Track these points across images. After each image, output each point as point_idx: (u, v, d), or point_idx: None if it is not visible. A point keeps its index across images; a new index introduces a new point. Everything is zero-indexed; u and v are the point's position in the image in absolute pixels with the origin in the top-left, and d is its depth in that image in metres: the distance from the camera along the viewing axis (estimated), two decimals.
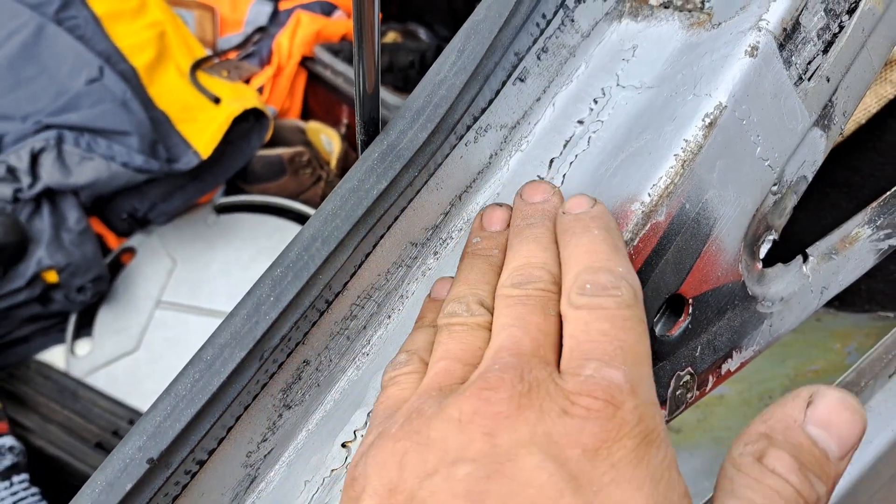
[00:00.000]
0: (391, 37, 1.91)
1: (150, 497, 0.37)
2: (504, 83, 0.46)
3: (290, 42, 1.66)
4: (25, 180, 1.33)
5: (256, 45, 1.71)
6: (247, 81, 1.62)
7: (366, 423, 0.42)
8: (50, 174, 1.33)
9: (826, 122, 0.50)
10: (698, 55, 0.47)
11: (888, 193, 0.56)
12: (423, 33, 2.00)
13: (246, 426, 0.40)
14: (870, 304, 0.94)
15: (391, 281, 0.44)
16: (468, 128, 0.45)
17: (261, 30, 1.75)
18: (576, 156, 0.47)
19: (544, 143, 0.48)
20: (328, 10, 1.78)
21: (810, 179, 0.50)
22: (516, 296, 0.35)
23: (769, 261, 0.51)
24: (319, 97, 1.69)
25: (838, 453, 0.32)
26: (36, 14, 1.45)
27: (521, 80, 0.48)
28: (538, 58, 0.48)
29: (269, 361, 0.39)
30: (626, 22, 0.51)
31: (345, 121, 1.64)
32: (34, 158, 1.34)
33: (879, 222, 0.55)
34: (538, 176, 0.47)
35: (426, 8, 1.95)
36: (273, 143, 1.56)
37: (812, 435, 0.32)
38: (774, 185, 0.47)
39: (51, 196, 1.36)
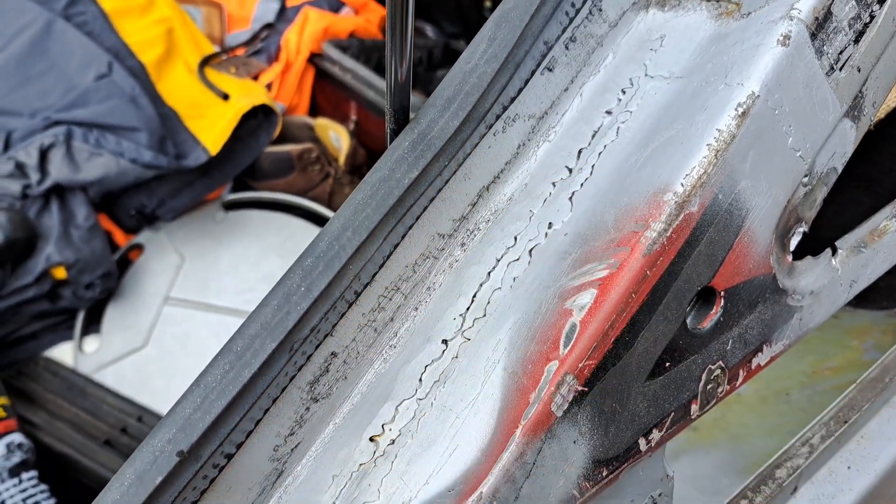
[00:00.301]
0: None
1: (178, 491, 0.36)
2: (533, 73, 0.46)
3: (299, 38, 1.65)
4: (34, 176, 1.33)
5: (264, 42, 1.71)
6: (255, 78, 1.61)
7: (394, 416, 0.41)
8: (59, 170, 1.32)
9: (856, 113, 0.49)
10: (728, 45, 0.46)
11: None
12: (430, 30, 2.00)
13: (274, 419, 0.39)
14: (888, 300, 0.94)
15: (418, 272, 0.44)
16: (497, 117, 0.45)
17: (268, 26, 1.74)
18: (604, 146, 0.47)
19: (572, 134, 0.48)
20: (336, 7, 1.78)
21: (840, 171, 0.50)
22: None
23: (807, 248, 0.51)
24: (328, 94, 1.69)
25: None
26: (44, 10, 1.44)
27: (550, 70, 0.47)
28: (566, 47, 0.47)
29: (298, 353, 0.38)
30: (653, 12, 0.50)
31: (353, 117, 1.64)
32: (43, 154, 1.33)
33: None
34: (566, 167, 0.47)
35: (434, 5, 1.95)
36: (281, 139, 1.55)
37: None
38: (805, 175, 0.47)
39: (59, 192, 1.35)
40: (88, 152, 1.34)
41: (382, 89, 1.53)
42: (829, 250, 0.51)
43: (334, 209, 1.54)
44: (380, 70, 1.70)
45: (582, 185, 0.46)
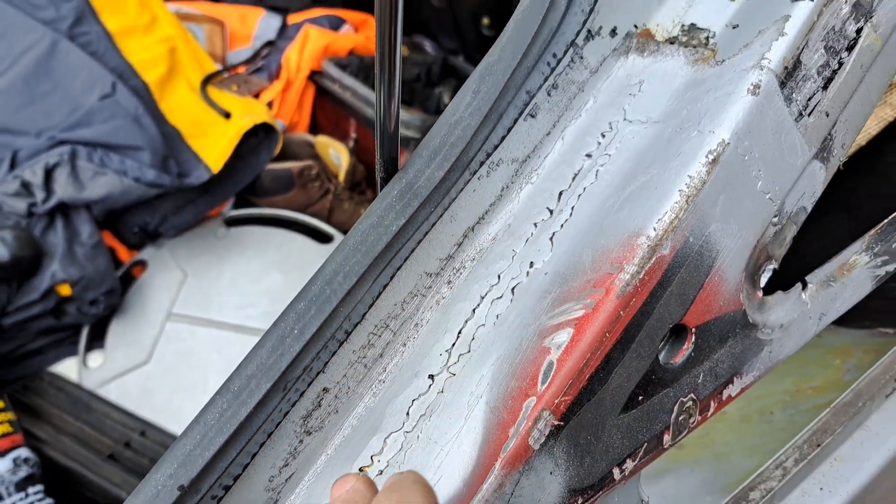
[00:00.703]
0: None
1: None
2: (516, 121, 0.48)
3: (299, 56, 1.68)
4: (40, 195, 1.35)
5: (265, 60, 1.74)
6: (256, 96, 1.64)
7: (382, 448, 0.43)
8: (64, 189, 1.35)
9: (825, 155, 0.51)
10: (703, 91, 0.49)
11: (886, 221, 0.58)
12: (428, 46, 2.03)
13: (269, 452, 0.41)
14: (869, 320, 0.96)
15: (407, 310, 0.46)
16: (481, 163, 0.47)
17: (269, 44, 1.77)
18: (584, 188, 0.49)
19: (554, 176, 0.50)
20: (336, 25, 1.81)
21: (809, 210, 0.52)
22: None
23: (779, 286, 0.53)
24: (328, 111, 1.71)
25: None
26: (50, 30, 1.47)
27: (532, 116, 0.50)
28: (548, 94, 0.50)
29: (291, 391, 0.41)
30: (633, 57, 0.53)
31: (353, 135, 1.67)
32: (48, 173, 1.36)
33: (877, 249, 0.57)
34: (548, 209, 0.49)
35: (432, 21, 1.97)
36: (282, 156, 1.58)
37: None
38: (775, 216, 0.49)
39: (64, 210, 1.38)
40: (93, 171, 1.36)
41: None
42: (799, 285, 0.54)
43: (334, 225, 1.57)
44: None
45: (562, 225, 0.48)
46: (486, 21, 1.81)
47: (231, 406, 0.38)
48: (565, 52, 0.49)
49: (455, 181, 0.45)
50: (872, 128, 0.82)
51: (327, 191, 1.59)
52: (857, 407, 0.64)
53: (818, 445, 0.61)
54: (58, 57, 1.46)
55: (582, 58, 0.51)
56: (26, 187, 1.36)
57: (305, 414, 0.43)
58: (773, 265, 0.51)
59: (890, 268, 0.58)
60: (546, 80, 0.49)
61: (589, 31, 0.51)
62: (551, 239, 0.48)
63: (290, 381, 0.40)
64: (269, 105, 1.64)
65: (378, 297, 0.44)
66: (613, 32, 0.52)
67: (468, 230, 0.48)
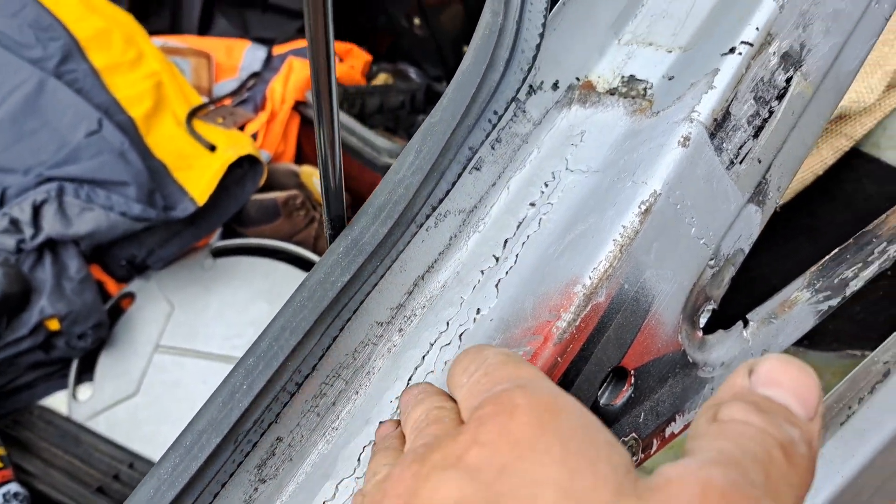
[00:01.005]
0: (382, 78, 1.97)
1: None
2: (460, 175, 0.50)
3: (284, 88, 1.71)
4: (28, 231, 1.38)
5: (251, 91, 1.77)
6: (241, 127, 1.67)
7: (334, 494, 0.45)
8: (51, 225, 1.38)
9: (760, 199, 0.54)
10: (639, 142, 0.51)
11: (827, 257, 0.60)
12: (413, 73, 2.06)
13: (223, 501, 0.43)
14: (837, 342, 0.98)
15: (358, 359, 0.48)
16: (427, 217, 0.49)
17: (255, 75, 1.80)
18: (528, 236, 0.52)
19: (500, 225, 0.53)
20: None
21: (748, 251, 0.54)
22: None
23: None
24: (312, 140, 1.74)
25: (802, 411, 0.30)
26: (37, 69, 1.50)
27: (477, 169, 0.52)
28: (492, 147, 0.52)
29: (243, 443, 0.43)
30: (575, 108, 0.55)
31: None
32: (36, 210, 1.39)
33: (818, 285, 0.59)
34: (494, 256, 0.51)
35: (416, 48, 2.01)
36: (267, 186, 1.61)
37: (764, 394, 0.30)
38: (711, 259, 0.51)
39: (52, 246, 1.40)
40: (80, 207, 1.39)
41: (364, 136, 1.59)
42: (740, 323, 0.56)
43: (319, 252, 1.59)
44: (361, 117, 1.76)
45: (507, 273, 0.51)
46: (466, 49, 1.84)
47: (183, 461, 0.40)
48: (506, 109, 0.51)
49: (401, 235, 0.47)
50: (829, 158, 0.85)
51: (312, 219, 1.61)
52: None
53: None
54: (45, 95, 1.48)
55: (525, 111, 0.53)
56: (15, 224, 1.38)
57: (260, 463, 0.45)
58: (713, 306, 0.53)
59: (833, 302, 0.60)
60: (488, 135, 0.51)
61: (531, 86, 0.53)
62: (497, 286, 0.50)
63: (241, 434, 0.42)
64: (255, 136, 1.66)
65: (328, 348, 0.46)
66: (555, 86, 0.54)
67: (418, 279, 0.51)
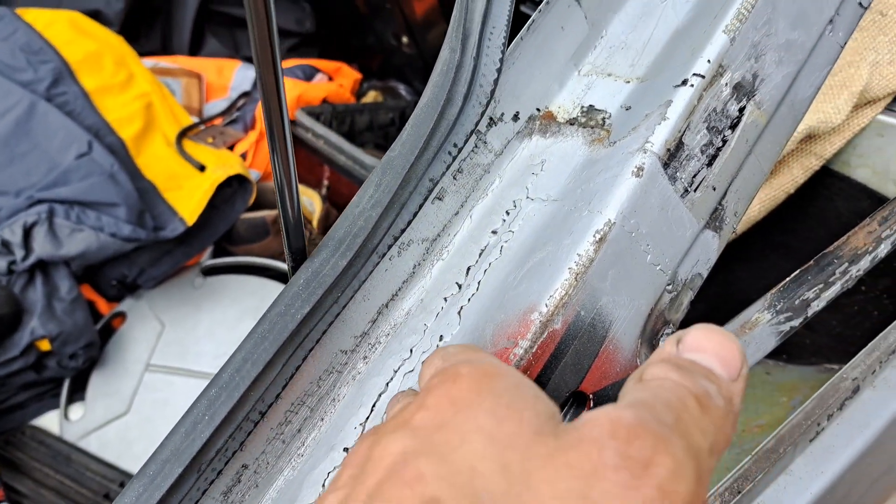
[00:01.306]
0: (372, 95, 1.99)
1: None
2: (421, 205, 0.52)
3: None
4: (19, 253, 1.39)
5: (241, 111, 1.78)
6: (231, 147, 1.69)
7: None
8: (42, 247, 1.39)
9: (717, 224, 0.55)
10: (596, 172, 0.53)
11: (788, 279, 0.62)
12: (403, 90, 2.08)
13: None
14: (816, 356, 0.99)
15: (323, 387, 0.50)
16: (389, 247, 0.51)
17: (245, 95, 1.82)
18: (489, 264, 0.53)
19: (462, 252, 0.54)
20: (310, 74, 1.86)
21: (706, 275, 0.56)
22: None
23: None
24: (302, 158, 1.76)
25: (724, 372, 0.33)
26: (28, 92, 1.52)
27: (440, 199, 0.53)
28: (454, 178, 0.54)
29: (207, 471, 0.44)
30: (536, 138, 0.57)
31: (325, 182, 1.71)
32: (27, 232, 1.40)
33: (780, 307, 0.60)
34: (457, 283, 0.53)
35: (405, 66, 2.03)
36: (257, 205, 1.62)
37: (689, 358, 0.34)
38: (669, 284, 0.53)
39: (43, 267, 1.42)
40: (70, 228, 1.41)
41: (353, 154, 1.60)
42: None
43: None
44: (351, 134, 1.78)
45: (469, 300, 0.52)
46: None
47: (147, 490, 0.42)
48: (466, 141, 0.52)
49: (362, 265, 0.49)
50: (800, 177, 0.86)
51: None
52: (779, 453, 0.67)
53: (739, 492, 0.64)
54: (36, 118, 1.50)
55: (486, 142, 0.55)
56: (6, 246, 1.40)
57: (225, 490, 0.46)
58: (671, 329, 0.54)
59: (795, 323, 0.62)
60: (449, 166, 0.52)
61: (491, 118, 0.55)
62: (459, 313, 0.52)
63: (203, 464, 0.43)
64: (244, 155, 1.68)
65: (292, 377, 0.47)
66: (516, 117, 0.56)
67: (382, 307, 0.52)
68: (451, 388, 0.34)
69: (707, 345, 0.34)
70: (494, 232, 0.54)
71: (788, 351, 0.80)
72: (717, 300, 0.98)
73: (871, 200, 0.86)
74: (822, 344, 0.99)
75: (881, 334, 0.73)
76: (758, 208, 0.86)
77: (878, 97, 0.83)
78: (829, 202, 0.88)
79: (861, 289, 0.90)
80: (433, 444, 0.31)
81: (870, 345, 0.72)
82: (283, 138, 0.41)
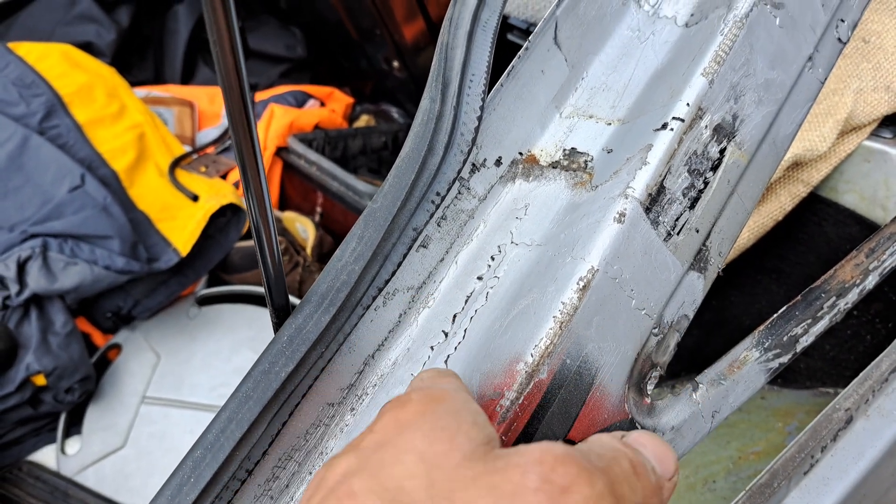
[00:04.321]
0: (364, 120, 1.99)
1: None
2: (406, 254, 0.52)
3: (265, 134, 1.74)
4: (13, 288, 1.39)
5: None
6: (224, 175, 1.69)
7: None
8: (36, 281, 1.39)
9: (702, 265, 0.55)
10: (578, 217, 0.53)
11: (775, 315, 0.62)
12: (395, 113, 2.09)
13: None
14: (811, 380, 0.99)
15: (310, 441, 0.50)
16: (374, 298, 0.51)
17: None
18: (476, 311, 0.53)
19: (448, 299, 0.54)
20: (302, 101, 1.87)
21: (692, 317, 0.56)
22: None
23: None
24: (295, 185, 1.76)
25: (660, 468, 0.37)
26: (20, 126, 1.52)
27: (424, 247, 0.53)
28: (438, 225, 0.54)
29: None
30: (519, 182, 0.57)
31: (319, 209, 1.71)
32: (21, 266, 1.40)
33: (767, 344, 0.60)
34: (443, 332, 0.53)
35: (397, 90, 2.04)
36: (251, 234, 1.62)
37: (630, 443, 0.38)
38: (655, 328, 0.53)
39: (38, 301, 1.42)
40: (64, 262, 1.41)
41: (345, 181, 1.61)
42: (689, 386, 0.57)
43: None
44: (344, 159, 1.78)
45: (456, 348, 0.52)
46: None
47: None
48: (448, 189, 0.53)
49: (346, 318, 0.49)
50: (787, 204, 0.86)
51: (296, 264, 1.63)
52: (773, 488, 0.66)
53: None
54: (28, 152, 1.51)
55: (469, 188, 0.55)
56: (0, 281, 1.40)
57: None
58: (659, 372, 0.54)
59: (784, 359, 0.61)
60: (433, 215, 0.52)
61: (473, 164, 0.55)
62: (446, 362, 0.51)
63: None
64: (237, 184, 1.68)
65: (278, 433, 0.47)
66: (498, 162, 0.56)
67: (368, 358, 0.52)
68: (400, 412, 0.37)
69: (647, 443, 0.38)
70: (480, 278, 0.54)
71: (783, 375, 0.79)
72: (711, 326, 0.98)
73: (860, 226, 0.86)
74: (817, 368, 0.99)
75: (873, 363, 0.73)
76: (747, 236, 0.86)
77: (864, 123, 0.83)
78: (818, 228, 0.89)
79: (853, 313, 0.89)
80: (369, 463, 0.34)
81: (862, 373, 0.72)
82: (262, 198, 0.41)
